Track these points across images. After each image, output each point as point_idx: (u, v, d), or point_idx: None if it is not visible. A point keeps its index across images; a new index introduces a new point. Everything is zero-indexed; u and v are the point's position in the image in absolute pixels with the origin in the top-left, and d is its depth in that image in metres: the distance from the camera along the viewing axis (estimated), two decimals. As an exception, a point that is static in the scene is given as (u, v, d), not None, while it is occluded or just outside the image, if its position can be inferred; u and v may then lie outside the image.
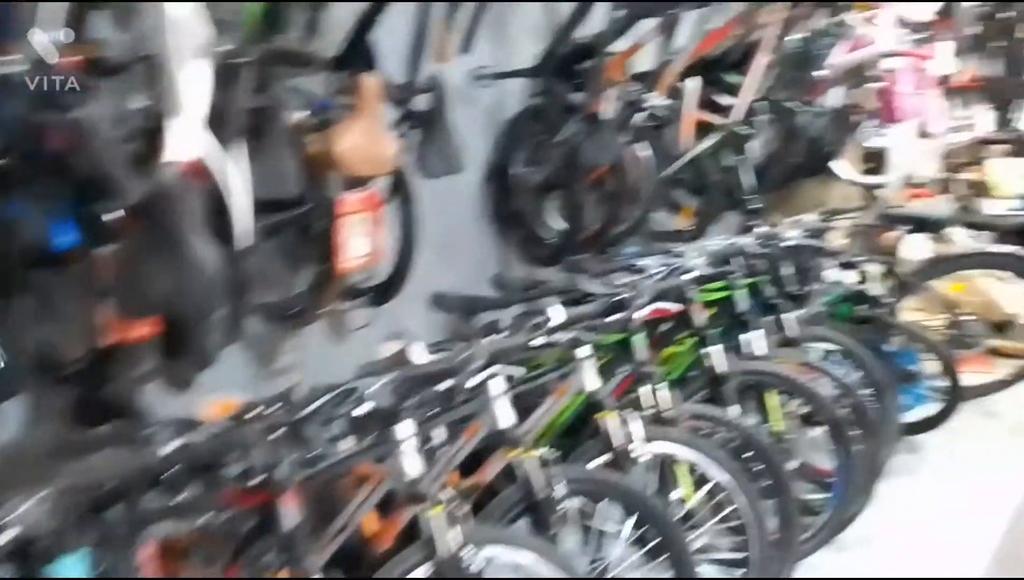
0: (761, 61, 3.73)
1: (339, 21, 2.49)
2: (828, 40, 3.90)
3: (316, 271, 2.33)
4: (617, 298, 2.32)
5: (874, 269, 3.61)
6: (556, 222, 3.50)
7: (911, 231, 3.69)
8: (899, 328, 3.36)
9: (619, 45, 3.40)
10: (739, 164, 3.89)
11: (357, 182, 2.19)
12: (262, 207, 1.95)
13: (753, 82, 3.76)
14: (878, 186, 5.36)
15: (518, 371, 1.82)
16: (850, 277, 3.23)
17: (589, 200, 3.44)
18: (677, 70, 3.50)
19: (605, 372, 2.37)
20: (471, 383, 1.73)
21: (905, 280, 3.67)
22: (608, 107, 3.04)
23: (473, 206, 3.42)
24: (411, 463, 1.69)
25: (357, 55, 2.37)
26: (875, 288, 3.32)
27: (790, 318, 2.97)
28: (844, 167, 5.13)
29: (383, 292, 2.55)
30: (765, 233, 3.10)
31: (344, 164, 2.05)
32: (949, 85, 5.05)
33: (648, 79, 3.41)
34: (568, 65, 3.26)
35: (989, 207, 5.53)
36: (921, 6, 4.33)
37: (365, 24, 2.34)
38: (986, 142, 6.17)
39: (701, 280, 2.64)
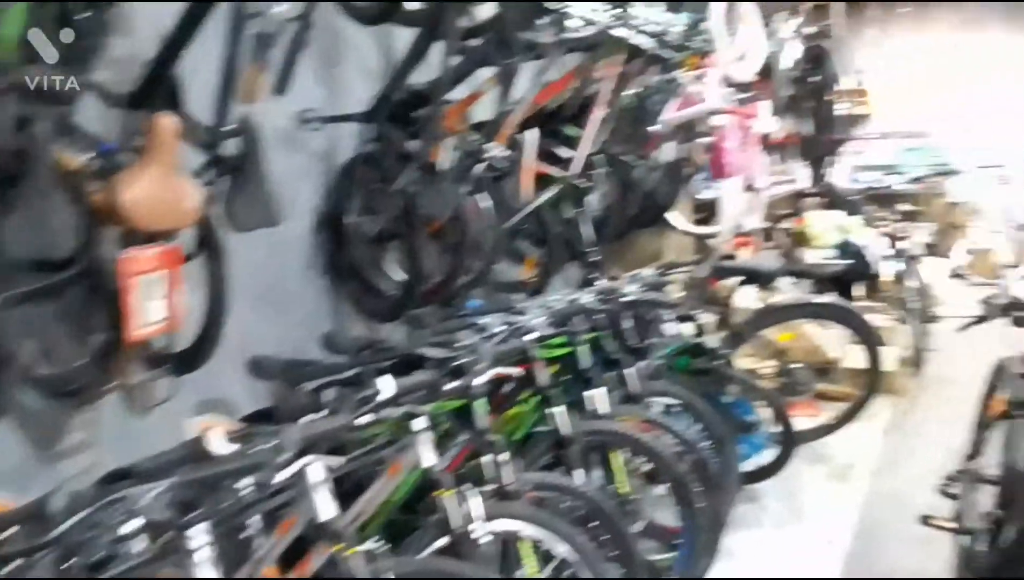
0: (597, 115, 3.75)
1: (138, 53, 2.21)
2: (660, 96, 4.01)
3: (103, 339, 1.99)
4: (456, 363, 2.14)
5: (709, 320, 3.69)
6: (395, 274, 3.31)
7: (743, 283, 3.80)
8: (735, 379, 3.41)
9: (458, 93, 3.31)
10: (579, 216, 3.88)
11: (152, 236, 1.89)
12: (24, 267, 1.63)
13: (590, 135, 3.77)
14: (709, 236, 5.60)
15: (338, 460, 1.59)
16: (687, 329, 3.25)
17: (430, 251, 3.30)
18: (516, 121, 3.44)
19: (442, 444, 2.18)
20: (279, 478, 1.48)
21: (738, 330, 3.77)
22: (446, 156, 2.91)
23: (303, 258, 3.17)
24: (205, 574, 1.41)
25: (157, 92, 2.09)
26: (711, 340, 3.37)
27: (631, 373, 2.93)
28: (678, 218, 5.31)
29: (188, 359, 2.24)
30: (605, 288, 3.06)
31: (132, 216, 1.75)
32: (769, 142, 5.37)
33: (487, 129, 3.32)
34: (404, 111, 3.10)
35: (808, 256, 5.92)
36: (744, 66, 4.57)
37: (166, 57, 2.06)
38: (803, 195, 6.64)
39: (543, 338, 2.53)
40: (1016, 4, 9.45)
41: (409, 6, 2.90)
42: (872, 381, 4.03)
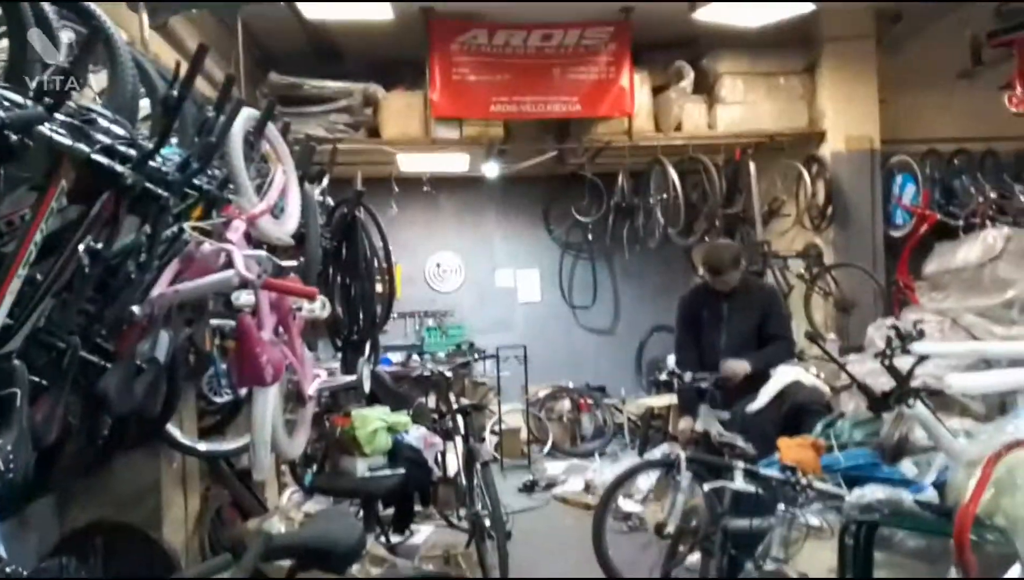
0: (14, 281, 2.02)
1: None
2: (149, 257, 2.43)
3: None
4: None
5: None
6: None
7: (303, 566, 2.27)
8: None
9: None
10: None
11: None
12: None
13: None
14: (228, 453, 4.00)
15: None
16: None
17: None
18: None
19: None
20: None
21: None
22: None
23: None
24: None
25: None
26: None
27: None
28: (180, 433, 3.60)
29: None
30: None
31: None
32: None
33: None
34: None
35: (355, 467, 4.69)
36: (283, 222, 3.23)
37: None
38: (342, 388, 5.45)
39: None
40: (504, 204, 10.25)
41: None
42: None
